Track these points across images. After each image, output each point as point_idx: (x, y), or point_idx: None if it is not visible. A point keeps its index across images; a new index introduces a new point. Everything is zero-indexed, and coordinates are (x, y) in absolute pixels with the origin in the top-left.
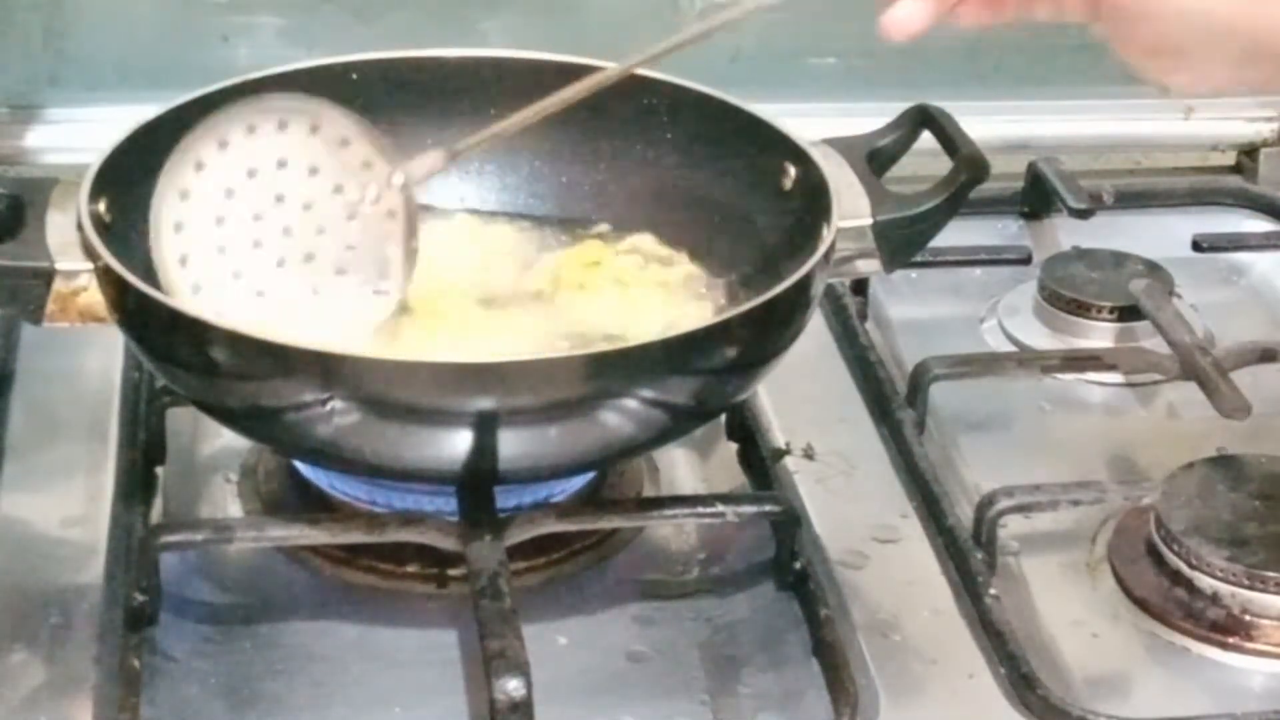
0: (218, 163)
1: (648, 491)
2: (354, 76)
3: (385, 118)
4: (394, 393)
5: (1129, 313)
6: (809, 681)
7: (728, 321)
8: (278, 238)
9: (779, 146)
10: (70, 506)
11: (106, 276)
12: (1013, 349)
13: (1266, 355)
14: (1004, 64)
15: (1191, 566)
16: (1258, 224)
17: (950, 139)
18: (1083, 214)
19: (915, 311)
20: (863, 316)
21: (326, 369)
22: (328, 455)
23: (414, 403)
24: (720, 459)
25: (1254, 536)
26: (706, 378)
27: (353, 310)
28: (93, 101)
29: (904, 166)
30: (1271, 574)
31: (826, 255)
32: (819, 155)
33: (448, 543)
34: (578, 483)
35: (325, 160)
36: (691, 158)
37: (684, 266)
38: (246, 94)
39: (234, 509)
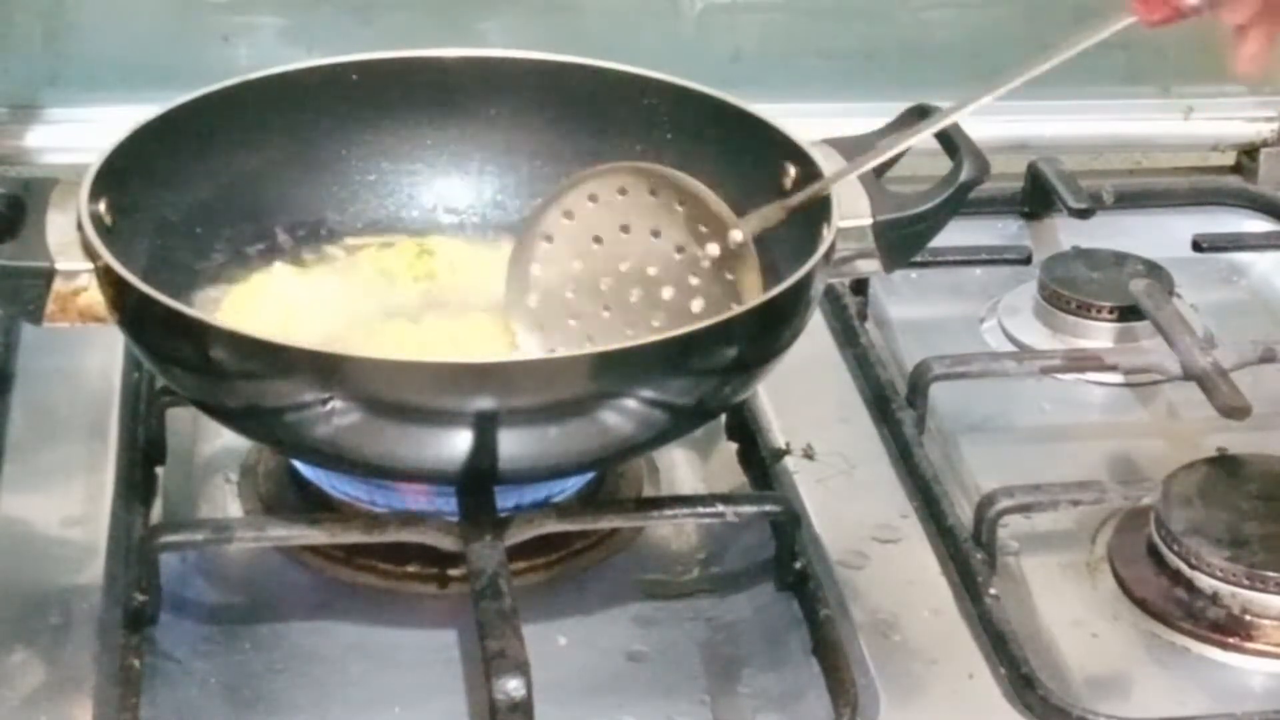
0: (564, 233)
1: (648, 491)
2: (354, 76)
3: (385, 118)
4: (394, 393)
5: (1129, 313)
6: (809, 681)
7: (728, 321)
8: (625, 303)
9: (779, 146)
10: (70, 506)
11: (106, 276)
12: (1013, 349)
13: (1266, 355)
14: (1004, 64)
15: (1191, 566)
16: (1258, 224)
17: (950, 139)
18: (1083, 214)
19: (915, 311)
20: (863, 316)
21: (326, 369)
22: (328, 455)
23: (414, 403)
24: (720, 459)
25: (1254, 536)
26: (706, 378)
27: None
28: (93, 101)
29: (904, 166)
30: (1271, 574)
31: (826, 255)
32: (819, 155)
33: (448, 543)
34: (578, 483)
35: (666, 222)
36: (691, 158)
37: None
38: (247, 94)
39: (234, 509)
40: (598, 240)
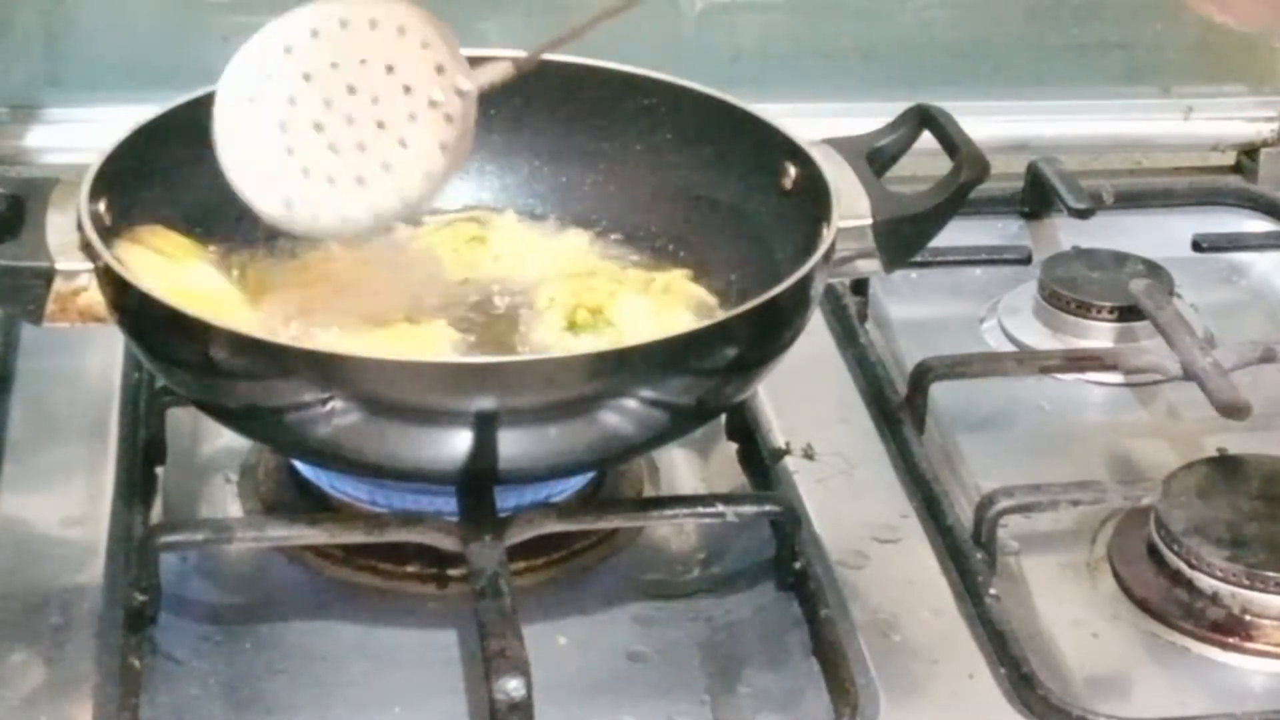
0: (304, 49)
1: (648, 491)
2: None
3: None
4: (394, 393)
5: (1129, 313)
6: (809, 681)
7: (728, 321)
8: (339, 124)
9: (779, 146)
10: (70, 506)
11: (106, 276)
12: (1013, 349)
13: (1266, 355)
14: (1004, 64)
15: (1191, 566)
16: (1258, 224)
17: (950, 139)
18: (1083, 214)
19: (915, 311)
20: (863, 316)
21: (326, 369)
22: (328, 455)
23: (414, 403)
24: (720, 459)
25: (1254, 536)
26: (706, 378)
27: (383, 202)
28: (93, 101)
29: (904, 166)
30: (1271, 574)
31: (826, 255)
32: (819, 155)
33: (448, 543)
34: (578, 483)
35: (401, 60)
36: (691, 158)
37: (683, 266)
38: None
39: (234, 509)
40: (334, 65)
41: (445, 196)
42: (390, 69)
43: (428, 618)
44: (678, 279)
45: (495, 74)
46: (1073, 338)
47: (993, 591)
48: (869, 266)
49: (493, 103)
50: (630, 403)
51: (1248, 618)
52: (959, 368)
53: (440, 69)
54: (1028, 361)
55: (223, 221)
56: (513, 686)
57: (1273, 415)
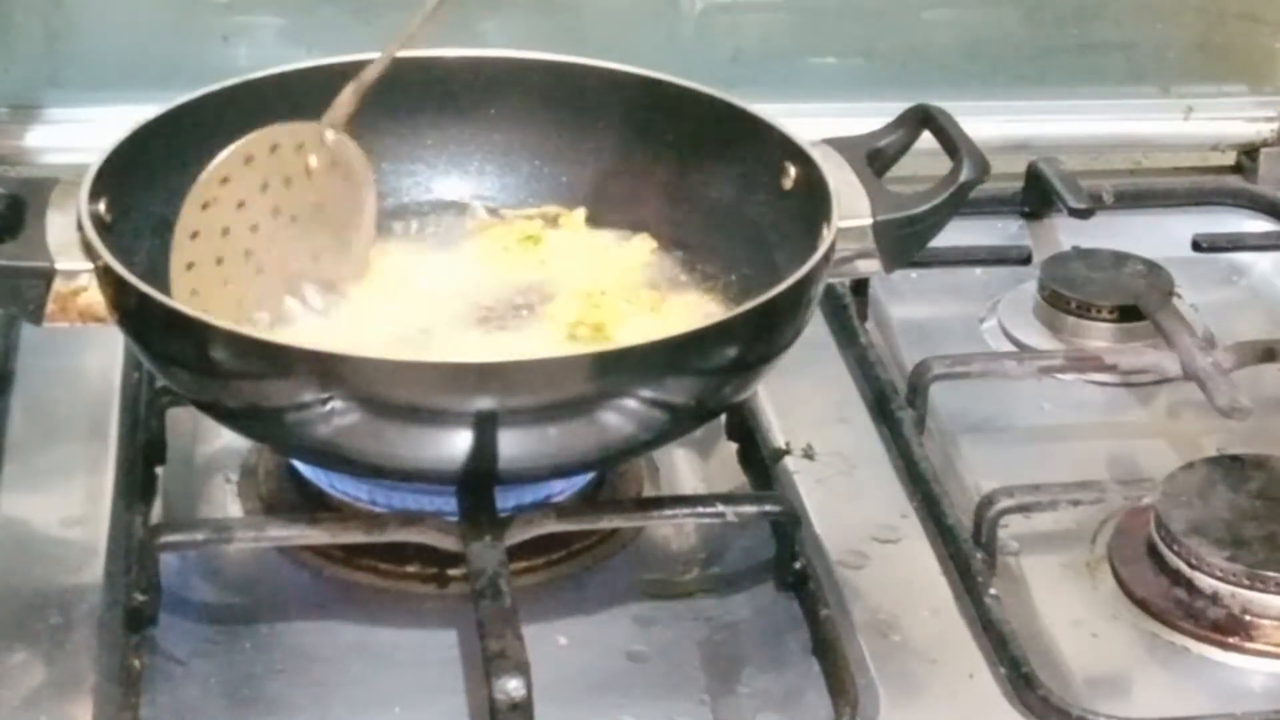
0: (224, 194)
1: (648, 491)
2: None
3: (385, 118)
4: (394, 393)
5: (1129, 313)
6: (809, 681)
7: (728, 321)
8: (264, 246)
9: (779, 146)
10: (70, 506)
11: (106, 276)
12: (1013, 349)
13: (1266, 355)
14: (1004, 64)
15: (1191, 566)
16: (1258, 224)
17: (950, 139)
18: (1083, 214)
19: (915, 311)
20: (863, 316)
21: (326, 369)
22: (328, 455)
23: (414, 403)
24: (720, 459)
25: (1254, 536)
26: (706, 378)
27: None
28: (93, 101)
29: (904, 166)
30: (1271, 574)
31: (826, 255)
32: (819, 155)
33: (448, 543)
34: (578, 483)
35: (291, 169)
36: (691, 158)
37: (683, 265)
38: (247, 94)
39: (234, 509)
40: (241, 205)
41: (439, 195)
42: (287, 182)
43: (428, 618)
44: (692, 301)
45: (343, 107)
46: (1073, 338)
47: (993, 591)
48: (869, 266)
49: (492, 102)
50: (630, 403)
51: (1248, 618)
52: (959, 368)
53: (301, 146)
54: (1028, 361)
55: None
56: (513, 686)
57: (1273, 415)
